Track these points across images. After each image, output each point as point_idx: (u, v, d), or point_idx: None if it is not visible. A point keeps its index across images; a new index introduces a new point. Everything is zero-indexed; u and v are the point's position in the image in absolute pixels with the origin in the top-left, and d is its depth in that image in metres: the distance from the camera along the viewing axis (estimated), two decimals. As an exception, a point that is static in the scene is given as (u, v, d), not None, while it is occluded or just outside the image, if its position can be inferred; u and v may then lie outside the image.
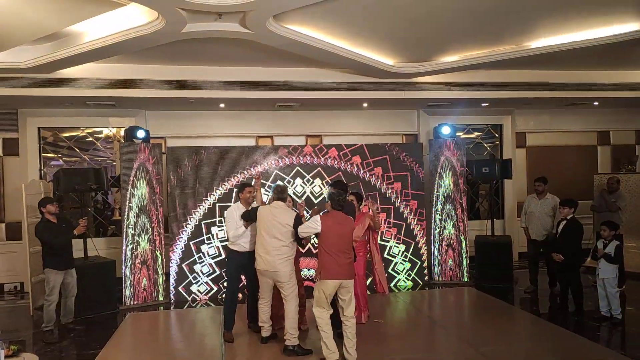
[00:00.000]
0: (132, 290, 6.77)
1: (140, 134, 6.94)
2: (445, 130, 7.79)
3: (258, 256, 4.90)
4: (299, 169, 7.29)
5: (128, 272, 6.75)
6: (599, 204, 7.66)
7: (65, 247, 5.81)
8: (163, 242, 7.10)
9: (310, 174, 7.32)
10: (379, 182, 7.45)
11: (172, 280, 6.99)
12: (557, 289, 6.63)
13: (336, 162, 7.39)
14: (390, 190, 7.48)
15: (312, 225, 4.60)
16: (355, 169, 7.42)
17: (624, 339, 5.26)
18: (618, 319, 5.58)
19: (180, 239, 6.98)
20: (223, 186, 7.09)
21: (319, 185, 7.31)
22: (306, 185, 7.29)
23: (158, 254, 7.03)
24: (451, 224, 7.66)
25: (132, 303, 6.75)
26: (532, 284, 7.12)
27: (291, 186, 7.23)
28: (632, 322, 5.66)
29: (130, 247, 6.76)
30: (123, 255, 6.73)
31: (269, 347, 4.98)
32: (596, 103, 9.07)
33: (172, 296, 6.95)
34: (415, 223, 7.54)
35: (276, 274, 4.79)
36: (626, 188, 8.03)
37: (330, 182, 6.51)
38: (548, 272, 6.96)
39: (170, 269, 6.98)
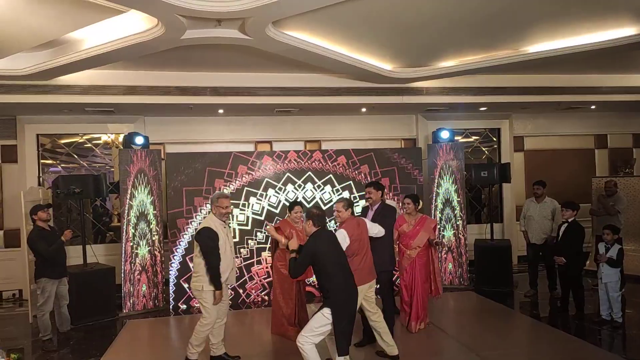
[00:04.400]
0: (131, 300, 6.74)
1: (139, 140, 6.93)
2: (445, 135, 7.80)
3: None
4: (290, 174, 7.29)
5: (127, 271, 6.72)
6: (597, 208, 7.69)
7: (60, 255, 5.71)
8: (162, 248, 7.08)
9: (301, 179, 7.32)
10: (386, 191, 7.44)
11: (171, 293, 6.95)
12: (557, 292, 6.64)
13: (333, 167, 7.40)
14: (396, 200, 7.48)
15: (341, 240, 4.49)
16: (363, 176, 7.45)
17: (624, 342, 5.26)
18: (619, 322, 5.58)
19: (178, 249, 6.93)
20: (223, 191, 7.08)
21: (311, 190, 7.33)
22: (298, 190, 7.31)
23: (157, 260, 7.01)
24: (450, 228, 7.66)
25: (131, 310, 6.72)
26: (531, 287, 7.13)
27: (283, 193, 7.26)
28: (633, 325, 5.67)
29: (130, 257, 6.74)
30: (122, 264, 6.70)
31: (267, 345, 4.96)
32: (593, 107, 9.11)
33: (171, 301, 6.92)
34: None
35: None
36: (624, 191, 8.06)
37: (370, 182, 5.76)
38: (548, 276, 6.97)
39: (170, 276, 6.94)
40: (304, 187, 7.33)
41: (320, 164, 7.35)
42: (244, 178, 7.14)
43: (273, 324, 5.67)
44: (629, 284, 6.96)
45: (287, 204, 6.51)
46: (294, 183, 7.30)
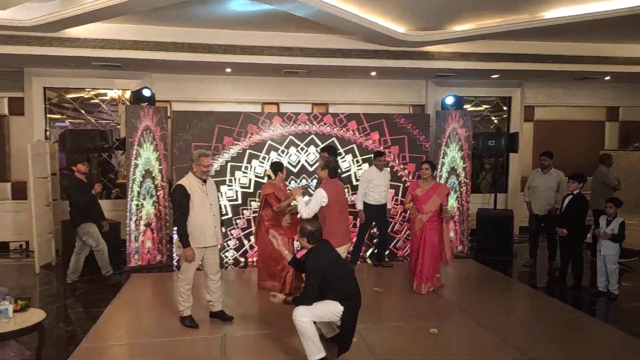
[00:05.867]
0: (136, 248, 6.87)
1: (146, 92, 6.91)
2: (449, 100, 7.72)
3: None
4: (292, 138, 7.27)
5: (132, 227, 6.82)
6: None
7: (93, 205, 6.05)
8: (167, 206, 7.15)
9: (304, 142, 7.30)
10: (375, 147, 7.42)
11: (174, 249, 6.99)
12: (556, 263, 6.69)
13: (335, 129, 7.37)
14: (388, 155, 7.44)
15: (319, 199, 4.79)
16: (351, 134, 7.41)
17: (619, 314, 5.32)
18: (615, 294, 5.64)
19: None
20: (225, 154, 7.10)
21: (313, 153, 7.32)
22: (300, 153, 7.30)
23: (162, 215, 7.10)
24: (454, 196, 7.67)
25: (136, 264, 6.86)
26: (531, 257, 7.18)
27: (285, 156, 7.25)
28: (628, 297, 5.72)
29: (135, 203, 6.82)
30: (127, 218, 6.79)
31: (269, 303, 5.09)
32: (608, 77, 8.91)
33: (175, 260, 7.04)
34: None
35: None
36: (633, 165, 8.07)
37: (322, 148, 6.54)
38: (548, 247, 7.01)
39: (174, 232, 7.02)
40: (306, 151, 7.32)
41: (308, 127, 7.32)
42: (251, 138, 7.12)
43: (260, 278, 5.90)
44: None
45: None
46: (296, 146, 7.29)
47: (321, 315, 3.81)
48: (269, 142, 7.20)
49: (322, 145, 7.23)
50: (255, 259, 7.14)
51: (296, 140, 7.27)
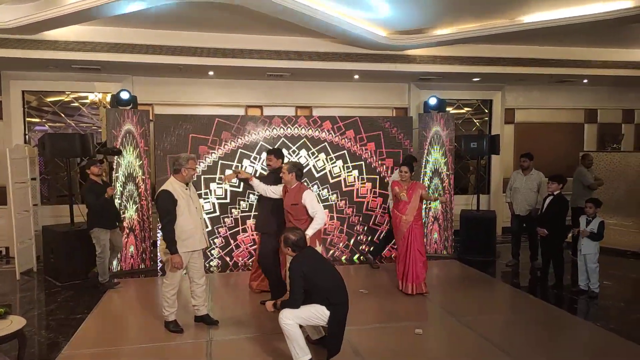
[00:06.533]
0: (118, 260, 6.78)
1: (124, 95, 6.79)
2: (432, 101, 7.82)
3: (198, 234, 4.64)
4: (285, 140, 7.28)
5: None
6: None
7: (109, 208, 6.01)
8: (151, 210, 7.08)
9: (296, 145, 7.31)
10: (351, 144, 7.50)
11: (158, 254, 6.95)
12: (538, 262, 6.80)
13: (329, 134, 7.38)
14: (364, 151, 7.54)
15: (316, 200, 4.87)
16: (347, 141, 7.45)
17: (599, 311, 5.42)
18: (595, 293, 5.75)
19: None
20: (213, 153, 7.06)
21: (305, 157, 7.33)
22: (292, 156, 7.30)
23: (145, 222, 7.02)
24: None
25: (118, 269, 6.76)
26: (514, 257, 7.28)
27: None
28: (608, 295, 5.83)
29: (117, 202, 6.67)
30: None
31: (255, 307, 5.07)
32: (585, 81, 9.11)
33: (159, 263, 6.97)
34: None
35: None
36: (611, 166, 8.22)
37: (270, 149, 6.02)
38: (530, 247, 7.12)
39: (158, 237, 6.96)
40: (298, 153, 7.32)
41: (311, 131, 7.34)
42: (226, 145, 7.08)
43: (252, 279, 5.90)
44: (609, 256, 7.18)
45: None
46: (288, 148, 7.28)
47: (307, 318, 3.80)
48: (261, 142, 7.19)
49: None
50: (240, 259, 7.13)
51: (288, 143, 7.28)
